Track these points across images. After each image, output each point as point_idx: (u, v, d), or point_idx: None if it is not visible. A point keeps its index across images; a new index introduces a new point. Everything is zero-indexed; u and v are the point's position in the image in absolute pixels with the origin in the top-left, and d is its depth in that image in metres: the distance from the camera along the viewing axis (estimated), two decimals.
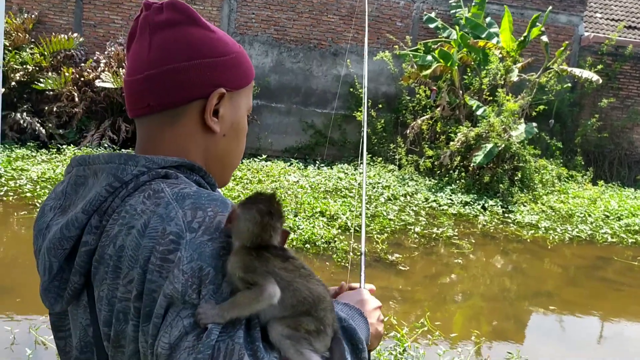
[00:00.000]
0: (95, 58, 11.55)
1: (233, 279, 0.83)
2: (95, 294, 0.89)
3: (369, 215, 8.34)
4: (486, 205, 9.71)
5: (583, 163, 12.73)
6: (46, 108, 11.06)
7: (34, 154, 10.20)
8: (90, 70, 11.27)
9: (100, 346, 0.90)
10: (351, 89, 12.45)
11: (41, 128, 10.79)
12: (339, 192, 9.62)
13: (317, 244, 6.78)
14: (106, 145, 11.08)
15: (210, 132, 1.01)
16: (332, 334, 0.90)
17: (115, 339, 0.86)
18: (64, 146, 10.69)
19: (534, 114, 11.34)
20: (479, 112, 10.81)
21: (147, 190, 0.90)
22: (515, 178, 10.43)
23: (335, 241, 6.93)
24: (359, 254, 6.65)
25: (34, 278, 1.04)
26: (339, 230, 7.42)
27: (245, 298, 0.81)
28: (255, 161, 11.36)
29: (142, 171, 0.92)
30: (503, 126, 10.35)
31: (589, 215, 9.65)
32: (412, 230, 7.95)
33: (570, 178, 11.88)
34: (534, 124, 10.59)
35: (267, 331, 0.84)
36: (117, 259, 0.85)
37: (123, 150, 11.01)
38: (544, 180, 10.87)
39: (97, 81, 10.96)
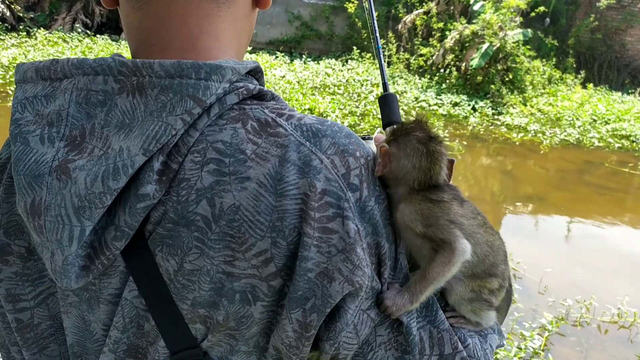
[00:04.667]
0: None
1: (406, 234, 0.69)
2: (170, 264, 0.64)
3: (358, 114, 8.13)
4: (476, 106, 9.56)
5: (575, 65, 12.50)
6: None
7: (2, 37, 9.53)
8: None
9: (164, 320, 0.67)
10: None
11: (7, 10, 10.01)
12: (327, 89, 9.32)
13: None
14: (80, 30, 10.40)
15: (254, 7, 0.77)
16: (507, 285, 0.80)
17: (224, 321, 0.65)
18: (34, 29, 9.99)
19: (532, 14, 10.90)
20: (476, 7, 10.33)
21: (246, 119, 0.64)
22: (506, 79, 10.22)
23: None
24: None
25: None
26: None
27: (436, 268, 0.67)
28: None
29: (225, 89, 0.63)
30: (499, 24, 9.95)
31: (577, 119, 9.60)
32: None
33: (560, 80, 11.69)
34: (529, 30, 10.22)
35: (444, 290, 0.73)
36: (226, 223, 0.61)
37: (98, 36, 10.37)
38: (534, 82, 10.68)
39: None
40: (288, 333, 0.64)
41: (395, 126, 0.77)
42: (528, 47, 10.58)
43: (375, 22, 1.22)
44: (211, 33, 0.70)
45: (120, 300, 0.67)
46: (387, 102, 1.11)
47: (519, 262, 4.41)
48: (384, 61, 1.24)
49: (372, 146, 0.98)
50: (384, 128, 1.09)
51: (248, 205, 0.61)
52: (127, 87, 0.63)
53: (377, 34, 1.22)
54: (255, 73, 0.72)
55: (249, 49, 11.19)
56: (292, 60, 11.10)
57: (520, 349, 3.32)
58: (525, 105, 9.92)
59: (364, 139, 1.01)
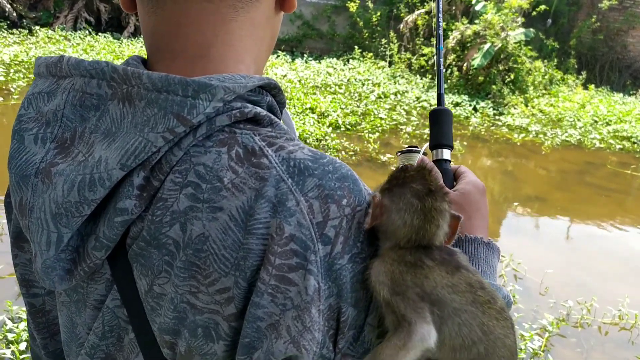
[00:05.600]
0: None
1: (375, 295, 0.60)
2: (142, 284, 0.62)
3: (359, 113, 8.13)
4: (477, 106, 9.56)
5: (576, 66, 12.49)
6: None
7: (4, 34, 9.53)
8: None
9: (144, 335, 0.65)
10: None
11: (10, 7, 10.00)
12: (328, 88, 9.31)
13: (308, 141, 6.61)
14: (83, 27, 10.39)
15: (279, 11, 0.73)
16: None
17: (186, 353, 0.61)
18: (36, 27, 9.99)
19: (533, 13, 10.89)
20: (478, 7, 10.33)
21: (232, 145, 0.60)
22: (508, 79, 10.21)
23: (326, 139, 6.76)
24: (351, 153, 6.57)
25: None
26: (330, 128, 7.24)
27: (387, 350, 0.58)
28: None
29: (218, 109, 0.59)
30: (501, 24, 9.95)
31: (578, 120, 9.60)
32: (404, 131, 7.80)
33: (561, 81, 11.69)
34: (532, 30, 10.22)
35: None
36: (193, 252, 0.58)
37: (101, 35, 10.37)
38: (535, 82, 10.67)
39: None
40: None
41: (394, 172, 0.68)
42: (529, 47, 10.58)
43: (441, 22, 1.08)
44: (226, 40, 0.67)
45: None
46: (439, 118, 0.97)
47: (519, 263, 4.41)
48: (442, 68, 1.04)
49: (415, 160, 0.88)
50: (431, 149, 0.96)
51: (216, 237, 0.57)
52: (118, 94, 0.61)
53: (441, 32, 1.07)
54: (271, 89, 0.68)
55: None
56: (293, 60, 11.09)
57: (520, 349, 3.32)
58: (526, 105, 9.92)
59: (410, 151, 0.92)
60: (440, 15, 1.08)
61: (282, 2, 0.71)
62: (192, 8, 0.64)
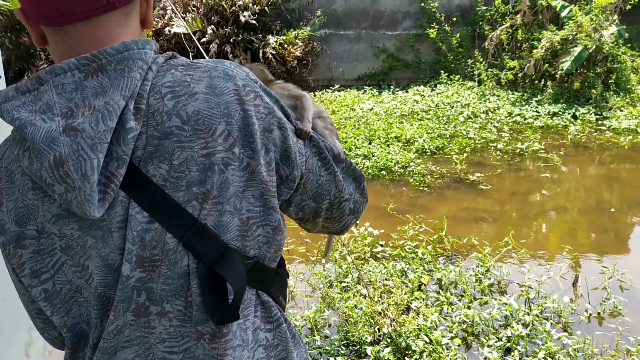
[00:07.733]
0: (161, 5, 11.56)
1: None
2: (162, 169, 0.89)
3: (447, 136, 7.98)
4: (577, 113, 8.99)
5: None
6: None
7: None
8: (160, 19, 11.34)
9: (178, 219, 0.90)
10: (422, 4, 11.71)
11: None
12: (415, 115, 9.26)
13: (392, 169, 6.59)
14: None
15: (143, 28, 1.02)
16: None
17: (211, 189, 0.90)
18: None
19: (628, 7, 10.16)
20: (564, 13, 9.84)
21: (176, 67, 0.94)
22: (610, 81, 9.52)
23: (411, 165, 6.70)
24: (437, 176, 6.45)
25: None
26: (416, 154, 7.17)
27: (306, 103, 1.15)
28: (327, 92, 11.11)
29: (154, 54, 0.93)
30: (593, 25, 9.38)
31: None
32: (494, 147, 7.52)
33: None
34: (624, 27, 9.52)
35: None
36: (194, 122, 0.90)
37: None
38: None
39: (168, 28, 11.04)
40: (269, 174, 0.97)
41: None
42: (629, 45, 9.84)
43: None
44: (124, 36, 0.96)
45: (126, 223, 0.89)
46: None
47: (624, 273, 4.04)
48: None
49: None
50: None
51: (203, 107, 0.90)
52: (90, 71, 0.87)
53: None
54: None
55: (337, 86, 11.46)
56: (380, 92, 11.18)
57: None
58: (634, 106, 9.16)
59: None
60: None
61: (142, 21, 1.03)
62: (87, 30, 0.92)
